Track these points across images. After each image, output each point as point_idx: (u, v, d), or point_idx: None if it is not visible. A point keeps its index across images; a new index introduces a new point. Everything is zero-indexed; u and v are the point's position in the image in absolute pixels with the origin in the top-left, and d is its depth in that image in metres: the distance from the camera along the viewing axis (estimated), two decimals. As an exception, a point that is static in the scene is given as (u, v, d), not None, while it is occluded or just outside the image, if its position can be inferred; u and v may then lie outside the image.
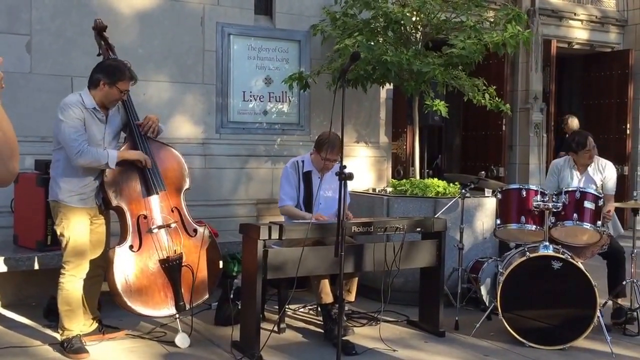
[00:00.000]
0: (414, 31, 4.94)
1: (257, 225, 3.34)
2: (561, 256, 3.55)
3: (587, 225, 3.68)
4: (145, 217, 3.34)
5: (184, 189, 3.52)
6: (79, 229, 3.27)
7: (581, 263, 3.66)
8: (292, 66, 5.27)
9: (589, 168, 4.11)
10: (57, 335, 3.38)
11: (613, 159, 4.54)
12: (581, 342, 3.51)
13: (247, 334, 3.33)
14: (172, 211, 3.42)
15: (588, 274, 3.50)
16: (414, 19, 4.77)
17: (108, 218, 3.47)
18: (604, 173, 4.11)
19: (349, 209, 3.93)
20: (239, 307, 3.54)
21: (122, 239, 3.33)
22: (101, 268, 3.39)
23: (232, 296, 3.77)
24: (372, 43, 4.64)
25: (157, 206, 3.37)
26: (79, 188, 3.26)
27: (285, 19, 5.31)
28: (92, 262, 3.35)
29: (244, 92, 5.18)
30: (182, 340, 3.37)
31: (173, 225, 3.39)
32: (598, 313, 3.47)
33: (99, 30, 3.57)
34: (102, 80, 3.21)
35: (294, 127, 5.38)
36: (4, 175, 1.35)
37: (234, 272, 4.05)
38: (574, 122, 6.84)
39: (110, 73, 3.22)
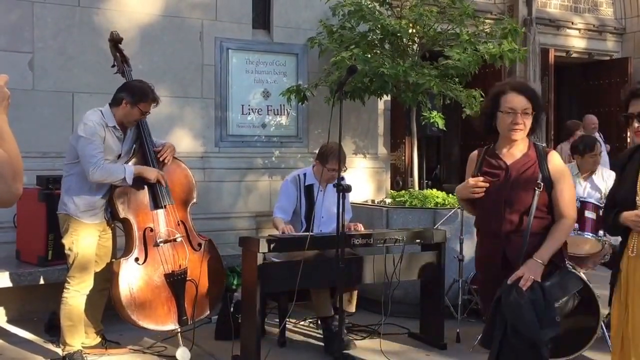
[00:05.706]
0: (410, 43, 4.97)
1: (257, 238, 3.35)
2: (562, 266, 3.53)
3: (588, 235, 3.66)
4: (152, 230, 3.35)
5: (191, 203, 3.54)
6: (86, 244, 3.29)
7: (583, 273, 3.64)
8: (289, 79, 5.30)
9: (594, 176, 4.11)
10: (59, 351, 3.39)
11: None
12: (584, 354, 3.48)
13: (247, 347, 3.33)
14: (178, 225, 3.43)
15: (590, 284, 3.48)
16: (410, 31, 4.81)
17: (114, 231, 3.49)
18: (609, 182, 4.10)
19: (353, 222, 3.92)
20: (240, 321, 3.54)
21: (128, 251, 3.34)
22: (108, 281, 3.39)
23: (232, 310, 3.77)
24: (369, 55, 4.66)
25: (163, 220, 3.39)
26: (90, 203, 3.28)
27: (283, 33, 5.35)
28: (99, 274, 3.38)
29: (242, 105, 5.20)
30: (183, 354, 3.36)
31: (179, 239, 3.40)
32: (601, 324, 3.45)
33: (115, 42, 3.60)
34: (125, 99, 3.26)
35: (292, 139, 5.40)
36: (6, 196, 1.34)
37: (233, 286, 4.05)
38: None
39: (134, 93, 3.27)
